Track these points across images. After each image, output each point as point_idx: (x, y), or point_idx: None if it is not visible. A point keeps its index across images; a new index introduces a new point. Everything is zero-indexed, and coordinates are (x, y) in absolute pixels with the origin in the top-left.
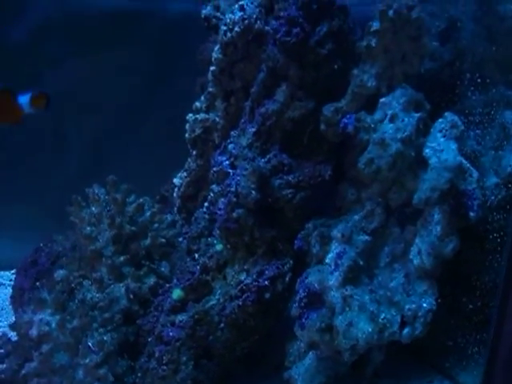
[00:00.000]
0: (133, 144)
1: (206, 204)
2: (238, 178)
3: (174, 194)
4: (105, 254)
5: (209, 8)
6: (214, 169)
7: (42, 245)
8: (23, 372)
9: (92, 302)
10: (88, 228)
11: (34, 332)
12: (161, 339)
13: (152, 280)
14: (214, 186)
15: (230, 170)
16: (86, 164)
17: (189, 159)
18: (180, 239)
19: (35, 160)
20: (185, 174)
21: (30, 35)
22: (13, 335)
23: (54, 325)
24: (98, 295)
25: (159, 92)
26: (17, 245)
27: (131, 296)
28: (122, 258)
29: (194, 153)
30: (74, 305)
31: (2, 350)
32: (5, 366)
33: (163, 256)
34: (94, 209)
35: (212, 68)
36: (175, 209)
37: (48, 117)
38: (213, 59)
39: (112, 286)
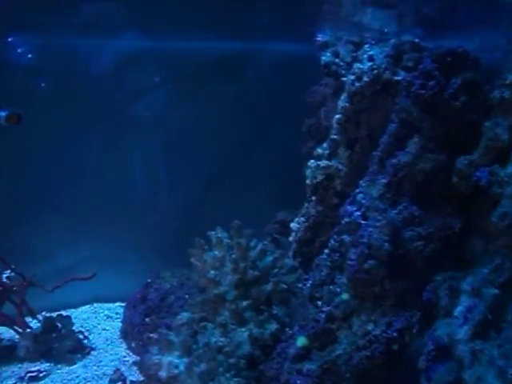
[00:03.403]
0: (236, 182)
1: (326, 251)
2: (371, 229)
3: (290, 238)
4: (227, 299)
5: (328, 54)
6: (346, 219)
7: (150, 280)
8: None
9: (216, 346)
10: (212, 272)
11: (163, 374)
12: None
13: (273, 326)
14: (345, 236)
15: (362, 221)
16: (191, 202)
17: (307, 204)
18: (299, 285)
19: (140, 198)
20: (303, 219)
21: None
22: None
23: (182, 367)
24: (222, 339)
25: (264, 132)
26: (120, 278)
27: (254, 342)
28: (244, 303)
29: (314, 198)
30: (199, 348)
31: None
32: None
33: (283, 302)
34: (216, 252)
35: (338, 116)
36: (290, 253)
37: (156, 155)
38: (339, 107)
39: (235, 330)
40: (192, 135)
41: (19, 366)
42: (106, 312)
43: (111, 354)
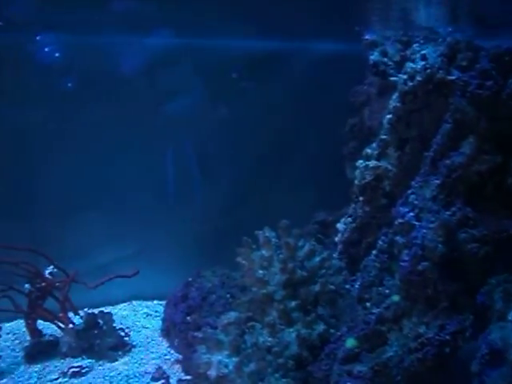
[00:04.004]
0: (276, 182)
1: (374, 252)
2: (425, 230)
3: (336, 239)
4: (275, 298)
5: (376, 54)
6: (400, 220)
7: (190, 279)
8: None
9: (265, 346)
10: (260, 271)
11: (212, 373)
12: None
13: (321, 327)
14: (397, 238)
15: (416, 223)
16: (229, 202)
17: (353, 205)
18: (347, 286)
19: (179, 197)
20: (349, 219)
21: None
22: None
23: (231, 367)
24: (270, 339)
25: (304, 131)
26: (157, 276)
27: (302, 342)
28: (293, 303)
29: (362, 199)
30: (247, 347)
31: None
32: None
33: (330, 302)
34: (264, 252)
35: (388, 116)
36: (336, 253)
37: (195, 154)
38: (390, 107)
39: (283, 330)
40: (232, 135)
41: (61, 361)
42: (145, 310)
43: (152, 352)
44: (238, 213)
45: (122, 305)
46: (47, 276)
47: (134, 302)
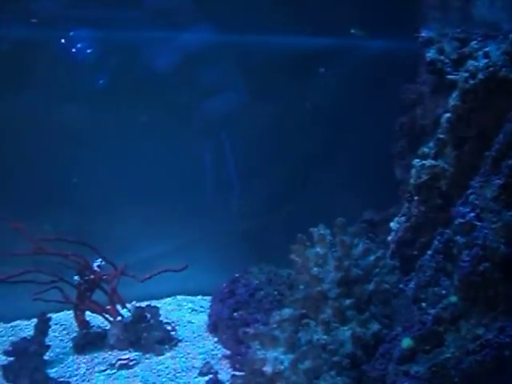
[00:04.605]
0: (323, 180)
1: (429, 252)
2: (486, 231)
3: (389, 238)
4: (330, 296)
5: (433, 51)
6: (460, 220)
7: (237, 275)
8: None
9: (319, 344)
10: (315, 269)
11: (268, 369)
12: None
13: (375, 326)
14: (458, 238)
15: (477, 223)
16: (277, 200)
17: (407, 204)
18: (400, 286)
19: (225, 195)
20: (403, 218)
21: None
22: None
23: (286, 364)
24: (324, 337)
25: (354, 129)
26: (201, 272)
27: (356, 341)
28: (347, 302)
29: (417, 198)
30: (301, 345)
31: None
32: None
33: (384, 302)
34: (319, 249)
35: (447, 115)
36: (388, 253)
37: (240, 153)
38: (449, 106)
39: (338, 329)
40: (281, 131)
41: (109, 353)
42: (190, 305)
43: (199, 347)
44: (284, 210)
45: (166, 299)
46: (95, 268)
47: (179, 297)
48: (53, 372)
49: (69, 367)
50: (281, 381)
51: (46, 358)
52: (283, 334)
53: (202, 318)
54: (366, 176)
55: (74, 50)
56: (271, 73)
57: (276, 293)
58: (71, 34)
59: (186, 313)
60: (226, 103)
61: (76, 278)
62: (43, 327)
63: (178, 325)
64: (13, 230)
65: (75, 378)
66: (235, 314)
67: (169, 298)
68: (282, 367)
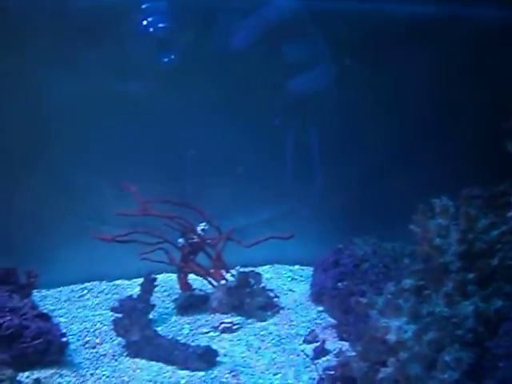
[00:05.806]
0: (428, 154)
1: None
2: None
3: (509, 214)
4: (451, 269)
5: None
6: None
7: (341, 246)
8: (380, 376)
9: (441, 317)
10: (438, 239)
11: (392, 338)
12: None
13: (499, 302)
14: None
15: None
16: (374, 174)
17: None
18: None
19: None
20: None
21: None
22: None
23: (409, 333)
24: (446, 310)
25: (457, 104)
26: (298, 242)
27: (479, 316)
28: (471, 276)
29: None
30: (423, 316)
31: None
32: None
33: (506, 278)
34: (441, 221)
35: None
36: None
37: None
38: None
39: (460, 302)
40: (381, 104)
41: (211, 315)
42: (289, 274)
43: (301, 316)
44: (381, 185)
45: (264, 267)
46: (199, 232)
47: (276, 266)
48: (158, 331)
49: (172, 327)
50: (403, 350)
51: (150, 317)
52: (406, 304)
53: (304, 287)
54: (469, 151)
55: (144, 23)
56: (366, 47)
57: (381, 265)
58: (143, 6)
59: (286, 281)
60: (313, 81)
61: (180, 240)
62: (149, 286)
63: (279, 292)
64: (122, 191)
65: (179, 338)
66: (339, 284)
67: (266, 266)
68: (406, 336)
